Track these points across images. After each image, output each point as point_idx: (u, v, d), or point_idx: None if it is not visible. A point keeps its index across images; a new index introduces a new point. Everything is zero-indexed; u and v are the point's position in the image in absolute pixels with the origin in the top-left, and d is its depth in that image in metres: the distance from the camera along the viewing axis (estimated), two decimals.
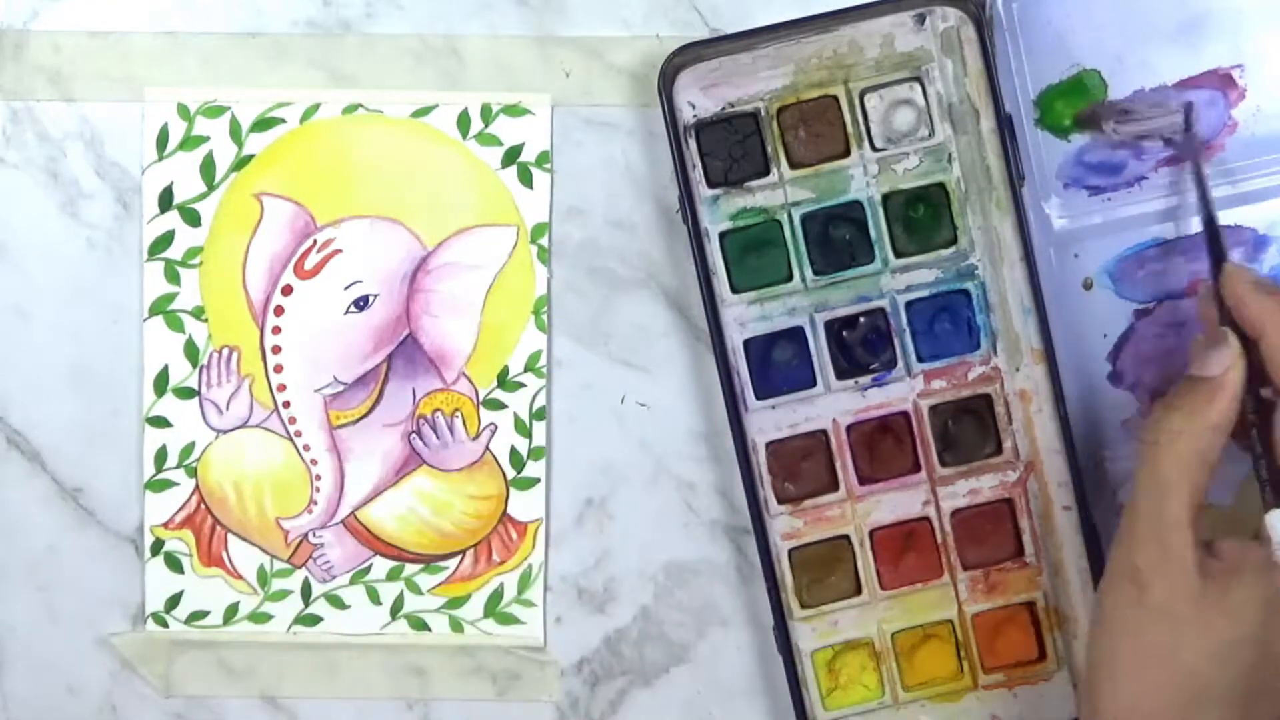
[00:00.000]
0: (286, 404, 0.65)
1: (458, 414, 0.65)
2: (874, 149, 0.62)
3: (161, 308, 0.64)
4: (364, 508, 0.65)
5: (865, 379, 0.63)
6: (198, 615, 0.65)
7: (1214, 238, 0.59)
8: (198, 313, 0.64)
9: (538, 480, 0.65)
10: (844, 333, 0.63)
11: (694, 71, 0.61)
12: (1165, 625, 0.53)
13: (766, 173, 0.62)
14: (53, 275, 0.65)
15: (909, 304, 0.63)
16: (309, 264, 0.64)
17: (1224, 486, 0.64)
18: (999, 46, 0.62)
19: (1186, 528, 0.54)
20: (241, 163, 0.64)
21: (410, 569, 0.65)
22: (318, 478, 0.65)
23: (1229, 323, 0.56)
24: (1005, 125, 0.62)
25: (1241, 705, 0.53)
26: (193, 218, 0.64)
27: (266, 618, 0.65)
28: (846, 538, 0.64)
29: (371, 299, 0.65)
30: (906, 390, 0.63)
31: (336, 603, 0.65)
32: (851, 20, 0.61)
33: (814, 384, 0.63)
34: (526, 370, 0.65)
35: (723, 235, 0.63)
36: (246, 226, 0.64)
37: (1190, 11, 0.63)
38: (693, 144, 0.62)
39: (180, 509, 0.65)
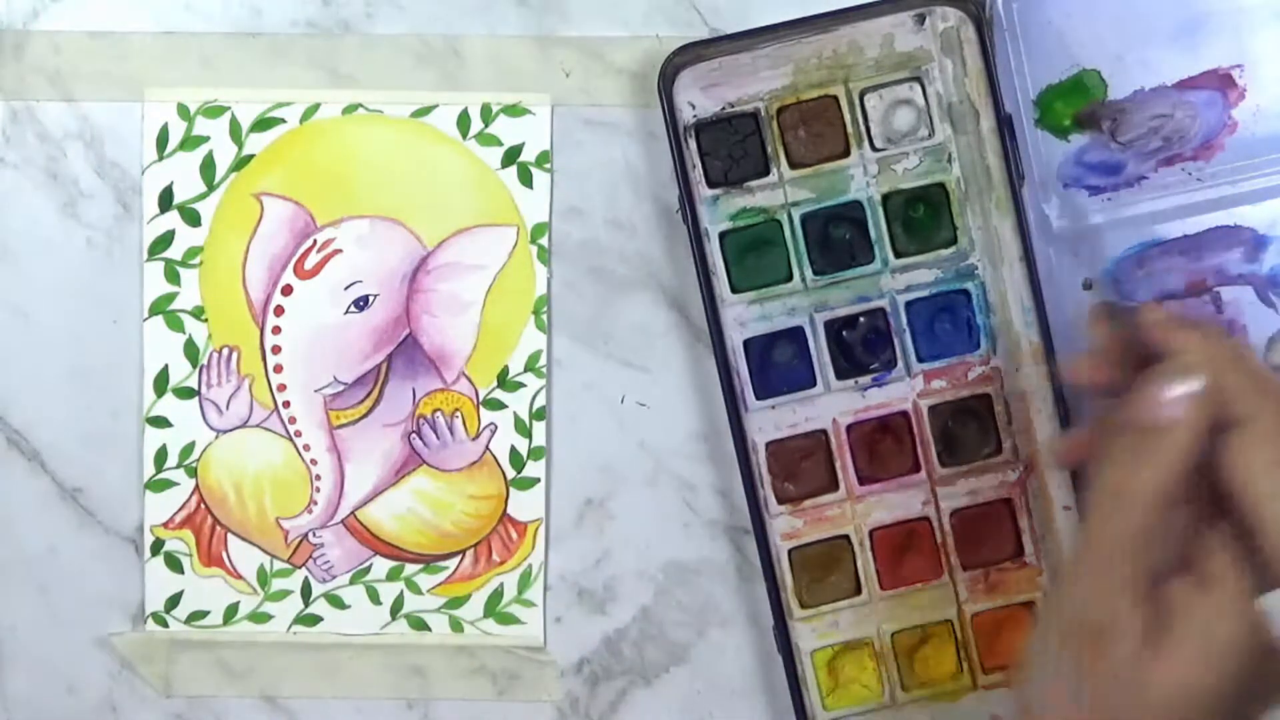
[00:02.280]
0: (286, 404, 0.65)
1: (458, 414, 0.65)
2: (874, 149, 0.62)
3: (161, 308, 0.64)
4: (364, 508, 0.65)
5: (865, 379, 0.63)
6: (198, 615, 0.65)
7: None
8: (198, 313, 0.64)
9: (538, 480, 0.65)
10: (844, 333, 0.63)
11: (694, 71, 0.61)
12: (1112, 687, 0.50)
13: (766, 173, 0.62)
14: (53, 275, 0.65)
15: (909, 304, 0.63)
16: (309, 264, 0.64)
17: None
18: (999, 46, 0.62)
19: (1139, 587, 0.50)
20: (241, 163, 0.64)
21: (410, 569, 0.65)
22: (318, 478, 0.65)
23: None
24: (1005, 125, 0.62)
25: None
26: (193, 218, 0.64)
27: (266, 618, 0.65)
28: (846, 538, 0.64)
29: (371, 299, 0.65)
30: (906, 390, 0.63)
31: (336, 603, 0.65)
32: (851, 20, 0.61)
33: (814, 384, 0.63)
34: (526, 370, 0.65)
35: (723, 235, 0.63)
36: (246, 226, 0.64)
37: (1190, 11, 0.63)
38: (693, 144, 0.62)
39: (180, 509, 0.65)
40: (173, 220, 0.64)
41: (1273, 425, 0.50)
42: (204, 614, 0.65)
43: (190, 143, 0.64)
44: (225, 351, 0.65)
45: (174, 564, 0.65)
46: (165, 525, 0.65)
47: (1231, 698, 0.49)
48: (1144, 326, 0.53)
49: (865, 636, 0.64)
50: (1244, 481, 0.49)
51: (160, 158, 0.64)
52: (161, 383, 0.65)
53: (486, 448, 0.65)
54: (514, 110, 0.64)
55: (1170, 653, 0.49)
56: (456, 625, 0.65)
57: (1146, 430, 0.51)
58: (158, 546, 0.65)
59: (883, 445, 0.64)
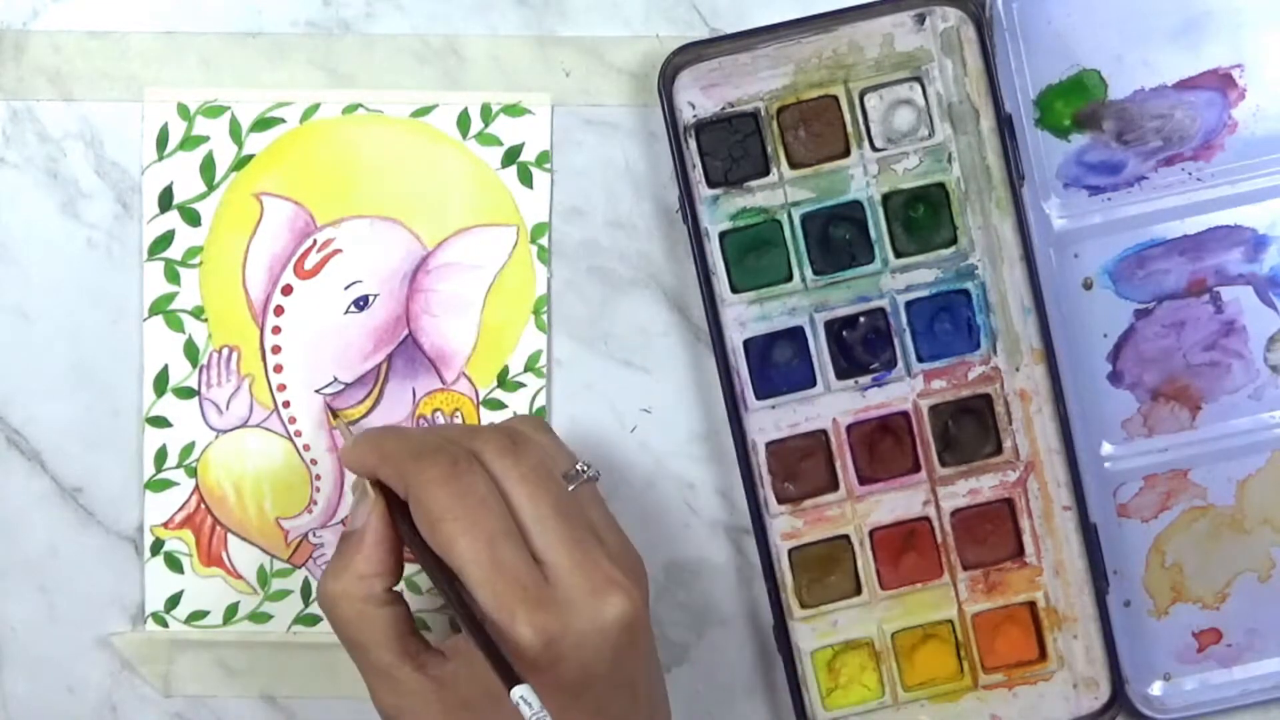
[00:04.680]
0: (286, 404, 0.65)
1: (458, 414, 0.65)
2: (874, 149, 0.62)
3: (161, 308, 0.64)
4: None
5: (865, 379, 0.63)
6: (198, 615, 0.65)
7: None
8: (198, 313, 0.64)
9: None
10: (844, 333, 0.63)
11: (694, 71, 0.61)
12: None
13: (766, 173, 0.62)
14: (53, 275, 0.65)
15: (909, 304, 0.63)
16: (309, 264, 0.64)
17: (1225, 486, 0.65)
18: (999, 46, 0.62)
19: (403, 664, 0.55)
20: (241, 163, 0.64)
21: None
22: (318, 478, 0.65)
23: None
24: (1005, 125, 0.62)
25: None
26: (193, 218, 0.64)
27: (266, 618, 0.65)
28: (846, 538, 0.64)
29: (371, 299, 0.65)
30: (906, 390, 0.63)
31: None
32: (851, 20, 0.61)
33: (814, 384, 0.63)
34: (526, 370, 0.65)
35: (723, 235, 0.63)
36: (246, 226, 0.64)
37: (1190, 11, 0.63)
38: (693, 144, 0.62)
39: (180, 509, 0.65)
40: (173, 220, 0.64)
41: (422, 489, 0.53)
42: (204, 614, 0.65)
43: (190, 143, 0.64)
44: (225, 351, 0.65)
45: (174, 564, 0.65)
46: (165, 525, 0.65)
47: None
48: (344, 457, 0.59)
49: (865, 636, 0.64)
50: (429, 539, 0.53)
51: (160, 158, 0.64)
52: (161, 383, 0.65)
53: None
54: (514, 110, 0.64)
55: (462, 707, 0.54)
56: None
57: (344, 537, 0.57)
58: (158, 546, 0.65)
59: (883, 445, 0.64)
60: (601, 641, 0.53)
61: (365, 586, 0.55)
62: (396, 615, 0.56)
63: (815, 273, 0.63)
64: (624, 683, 0.54)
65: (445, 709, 0.54)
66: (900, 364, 0.63)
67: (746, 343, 0.63)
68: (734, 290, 0.63)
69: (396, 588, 0.57)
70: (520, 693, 0.49)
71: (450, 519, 0.53)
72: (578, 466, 0.56)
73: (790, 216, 0.63)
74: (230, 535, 0.65)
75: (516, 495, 0.54)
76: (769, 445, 0.63)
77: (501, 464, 0.54)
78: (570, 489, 0.55)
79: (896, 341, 0.63)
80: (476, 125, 0.64)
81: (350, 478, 0.64)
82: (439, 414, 0.65)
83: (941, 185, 0.63)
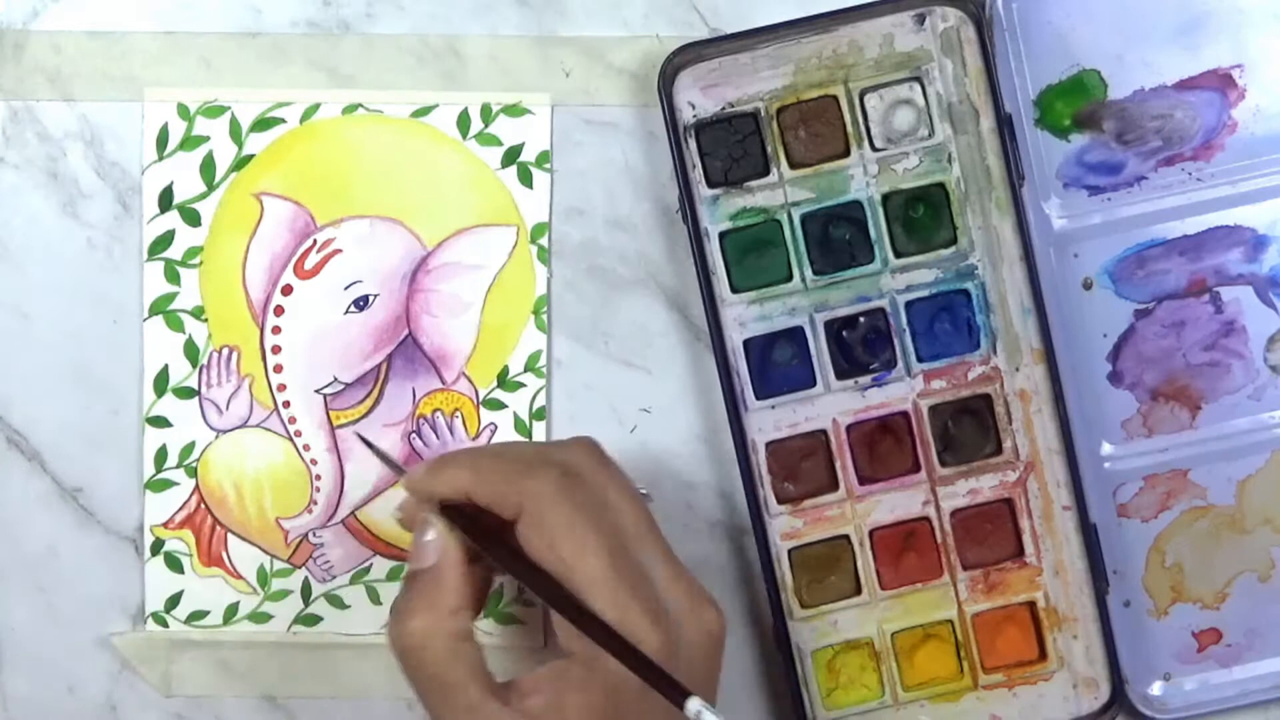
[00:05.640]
0: (286, 404, 0.65)
1: (458, 414, 0.65)
2: (874, 149, 0.62)
3: (161, 308, 0.64)
4: (364, 508, 0.65)
5: (865, 379, 0.63)
6: (198, 615, 0.65)
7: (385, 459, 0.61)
8: (198, 313, 0.64)
9: None
10: (844, 333, 0.63)
11: (694, 71, 0.61)
12: None
13: (766, 173, 0.62)
14: (53, 275, 0.65)
15: (909, 304, 0.63)
16: (309, 264, 0.64)
17: (1225, 486, 0.65)
18: (999, 46, 0.62)
19: (490, 699, 0.52)
20: (241, 163, 0.64)
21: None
22: (318, 478, 0.65)
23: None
24: (1005, 125, 0.62)
25: None
26: (193, 218, 0.64)
27: (266, 618, 0.65)
28: (846, 538, 0.64)
29: (371, 299, 0.65)
30: (906, 390, 0.63)
31: (336, 603, 0.65)
32: (851, 20, 0.61)
33: (814, 384, 0.63)
34: (526, 370, 0.65)
35: (723, 235, 0.63)
36: (246, 226, 0.64)
37: (1190, 11, 0.63)
38: (693, 144, 0.62)
39: (180, 509, 0.65)
40: (173, 220, 0.64)
41: (538, 505, 0.52)
42: (204, 614, 0.65)
43: (190, 143, 0.64)
44: (225, 351, 0.65)
45: (174, 564, 0.65)
46: (165, 525, 0.65)
47: None
48: (410, 493, 0.56)
49: (865, 636, 0.64)
50: (543, 562, 0.52)
51: (160, 158, 0.64)
52: (161, 383, 0.65)
53: None
54: (514, 110, 0.64)
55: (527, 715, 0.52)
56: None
57: (413, 575, 0.54)
58: (158, 546, 0.65)
59: (883, 445, 0.64)
60: (703, 651, 0.54)
61: (457, 623, 0.53)
62: (480, 653, 0.54)
63: (815, 273, 0.63)
64: (712, 691, 0.55)
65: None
66: (900, 364, 0.63)
67: (746, 343, 0.63)
68: (734, 290, 0.63)
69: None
70: (696, 705, 0.49)
71: (573, 536, 0.52)
72: (640, 489, 0.56)
73: (790, 216, 0.63)
74: (230, 535, 0.65)
75: (620, 509, 0.54)
76: (769, 445, 0.63)
77: (599, 478, 0.54)
78: None
79: (896, 341, 0.63)
80: (476, 125, 0.64)
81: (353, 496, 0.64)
82: (439, 414, 0.65)
83: (941, 185, 0.63)
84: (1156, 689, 0.65)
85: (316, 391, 0.65)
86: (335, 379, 0.65)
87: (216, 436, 0.65)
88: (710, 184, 0.62)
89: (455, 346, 0.65)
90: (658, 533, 0.55)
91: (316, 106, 0.64)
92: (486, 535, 0.54)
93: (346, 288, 0.64)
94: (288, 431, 0.65)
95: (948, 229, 0.63)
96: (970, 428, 0.64)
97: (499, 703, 0.53)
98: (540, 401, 0.65)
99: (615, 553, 0.52)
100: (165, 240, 0.64)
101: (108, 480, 0.65)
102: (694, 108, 0.62)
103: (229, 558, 0.65)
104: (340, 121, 0.64)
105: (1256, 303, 0.64)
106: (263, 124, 0.64)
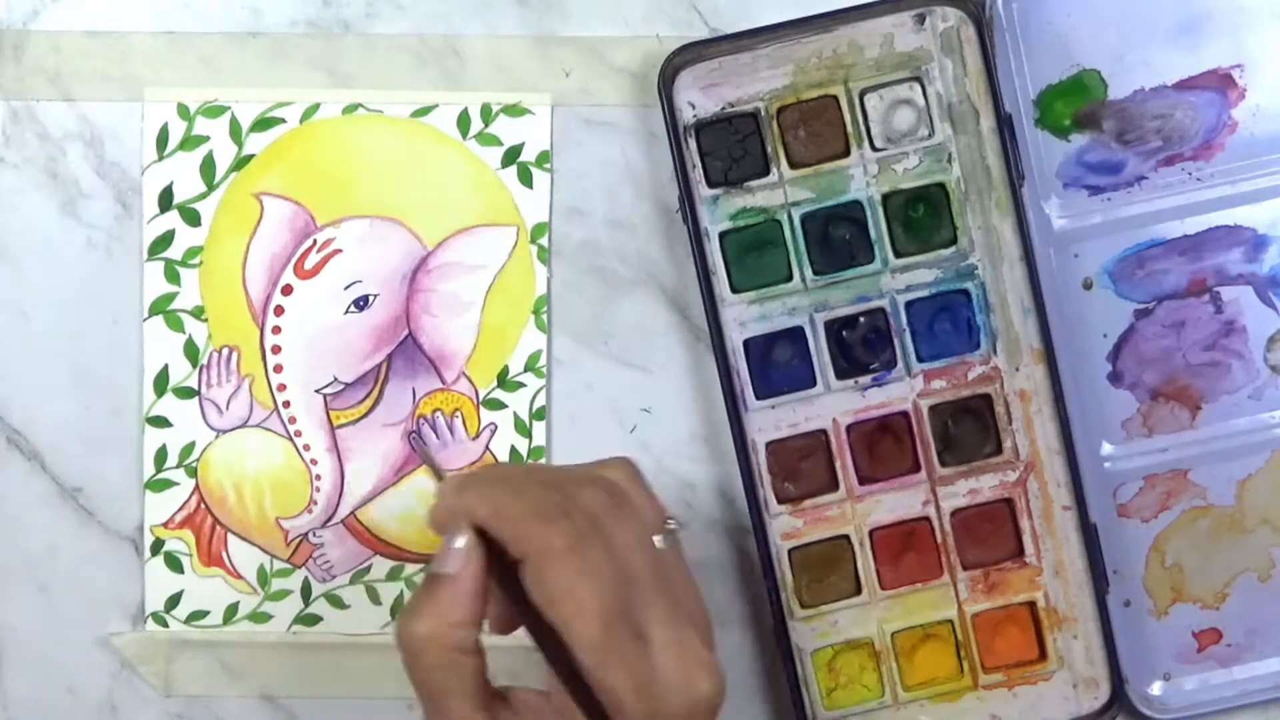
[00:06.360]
0: (286, 404, 0.65)
1: (458, 414, 0.65)
2: (874, 149, 0.62)
3: (161, 308, 0.64)
4: (364, 507, 0.65)
5: (865, 379, 0.63)
6: (198, 615, 0.65)
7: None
8: (198, 313, 0.64)
9: None
10: (844, 333, 0.63)
11: (694, 71, 0.61)
12: None
13: (766, 173, 0.62)
14: (53, 275, 0.65)
15: (909, 304, 0.63)
16: (309, 264, 0.64)
17: (1225, 486, 0.65)
18: (999, 46, 0.62)
19: (478, 715, 0.53)
20: (241, 163, 0.64)
21: (410, 569, 0.65)
22: (318, 477, 0.65)
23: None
24: (1005, 125, 0.62)
25: None
26: (193, 218, 0.64)
27: (266, 618, 0.65)
28: (846, 537, 0.64)
29: (371, 299, 0.65)
30: (906, 390, 0.63)
31: (336, 603, 0.65)
32: (851, 20, 0.61)
33: (814, 384, 0.63)
34: (526, 370, 0.65)
35: (723, 235, 0.63)
36: (246, 226, 0.64)
37: (1190, 11, 0.63)
38: (693, 144, 0.62)
39: (180, 509, 0.65)
40: (173, 220, 0.64)
41: (544, 559, 0.52)
42: (204, 614, 0.65)
43: (190, 143, 0.64)
44: (225, 351, 0.65)
45: (174, 564, 0.65)
46: (165, 525, 0.65)
47: None
48: (440, 501, 0.55)
49: (865, 636, 0.64)
50: (544, 609, 0.52)
51: (160, 158, 0.64)
52: (161, 383, 0.65)
53: (486, 448, 0.65)
54: (514, 110, 0.64)
55: None
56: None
57: (433, 578, 0.53)
58: (158, 546, 0.65)
59: (883, 445, 0.64)
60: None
61: (458, 636, 0.53)
62: (479, 666, 0.54)
63: (815, 273, 0.63)
64: None
65: None
66: (900, 364, 0.63)
67: (746, 343, 0.63)
68: (734, 290, 0.63)
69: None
70: None
71: (573, 598, 0.51)
72: (668, 524, 0.55)
73: (790, 216, 0.63)
74: (230, 535, 0.65)
75: (633, 561, 0.53)
76: (769, 445, 0.63)
77: (611, 528, 0.53)
78: (661, 547, 0.54)
79: (896, 341, 0.63)
80: (476, 125, 0.64)
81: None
82: (439, 414, 0.65)
83: (941, 185, 0.63)
84: (1156, 689, 0.65)
85: (316, 391, 0.65)
86: (335, 379, 0.65)
87: (216, 436, 0.65)
88: (710, 184, 0.62)
89: (455, 346, 0.65)
90: (669, 590, 0.54)
91: (316, 106, 0.64)
92: (503, 561, 0.53)
93: (346, 288, 0.64)
94: (288, 431, 0.65)
95: (948, 229, 0.63)
96: (970, 428, 0.64)
97: (486, 716, 0.53)
98: (540, 401, 0.65)
99: (612, 618, 0.52)
100: (165, 240, 0.64)
101: (108, 480, 0.65)
102: (694, 108, 0.62)
103: (229, 558, 0.65)
104: (340, 121, 0.64)
105: (1256, 303, 0.64)
106: (263, 124, 0.64)
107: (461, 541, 0.53)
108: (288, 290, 0.64)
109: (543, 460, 0.65)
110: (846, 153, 0.63)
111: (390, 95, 0.64)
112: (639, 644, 0.52)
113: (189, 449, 0.65)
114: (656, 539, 0.54)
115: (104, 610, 0.65)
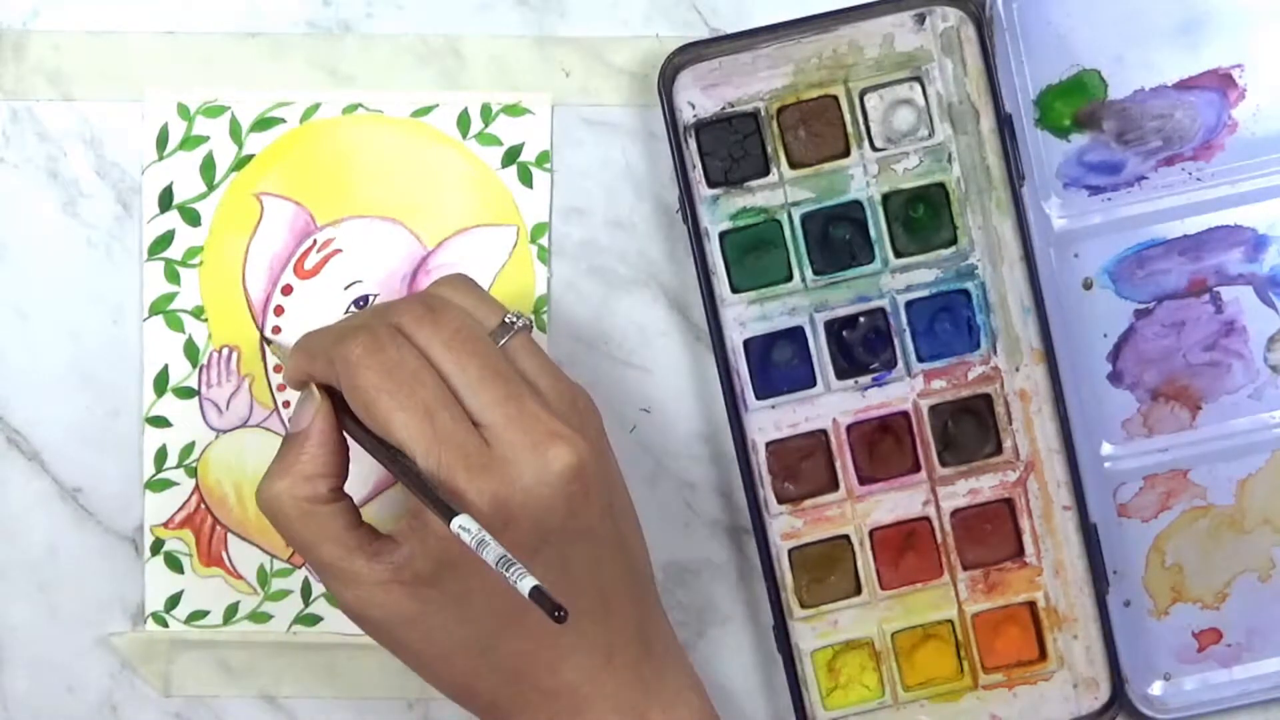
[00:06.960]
0: (286, 404, 0.65)
1: None
2: (874, 149, 0.62)
3: (161, 307, 0.64)
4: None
5: (865, 379, 0.63)
6: (198, 615, 0.65)
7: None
8: (198, 312, 0.64)
9: None
10: (844, 333, 0.63)
11: (694, 71, 0.61)
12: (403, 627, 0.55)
13: (766, 172, 0.62)
14: (53, 275, 0.65)
15: (909, 304, 0.63)
16: (309, 264, 0.64)
17: (1225, 486, 0.65)
18: (999, 46, 0.62)
19: (354, 556, 0.54)
20: (241, 163, 0.64)
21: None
22: None
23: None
24: (1005, 125, 0.62)
25: (479, 656, 0.55)
26: (193, 217, 0.64)
27: (266, 617, 0.65)
28: (846, 537, 0.64)
29: (371, 299, 0.65)
30: (906, 390, 0.63)
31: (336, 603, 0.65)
32: (851, 20, 0.61)
33: (814, 384, 0.63)
34: None
35: (723, 235, 0.63)
36: (246, 226, 0.64)
37: (1190, 11, 0.63)
38: (693, 144, 0.62)
39: (180, 509, 0.65)
40: (173, 220, 0.64)
41: (350, 371, 0.53)
42: (204, 614, 0.65)
43: (190, 142, 0.64)
44: (225, 351, 0.65)
45: (174, 564, 0.65)
46: (165, 525, 0.65)
47: (457, 625, 0.54)
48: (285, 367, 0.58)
49: (865, 636, 0.64)
50: (366, 420, 0.54)
51: (160, 157, 0.64)
52: (161, 383, 0.65)
53: None
54: (514, 110, 0.64)
55: (429, 585, 0.54)
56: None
57: (285, 439, 0.56)
58: (158, 546, 0.65)
59: (883, 445, 0.64)
60: (550, 495, 0.53)
61: (309, 487, 0.55)
62: (341, 510, 0.55)
63: (815, 273, 0.63)
64: (583, 531, 0.54)
65: (407, 591, 0.54)
66: (900, 364, 0.63)
67: (746, 343, 0.63)
68: (734, 290, 0.63)
69: (342, 488, 0.57)
70: (459, 522, 0.49)
71: (384, 395, 0.53)
72: (506, 319, 0.56)
73: (790, 216, 0.63)
74: (230, 535, 0.65)
75: (444, 362, 0.53)
76: (769, 445, 0.63)
77: (423, 333, 0.54)
78: (500, 344, 0.55)
79: (896, 341, 0.63)
80: (476, 125, 0.64)
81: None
82: None
83: (941, 185, 0.63)
84: (1156, 689, 0.65)
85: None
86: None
87: (216, 436, 0.65)
88: (710, 184, 0.62)
89: None
90: (503, 375, 0.54)
91: (316, 106, 0.64)
92: (344, 404, 0.55)
93: (346, 288, 0.64)
94: (288, 431, 0.65)
95: (948, 229, 0.63)
96: (970, 428, 0.64)
97: (364, 557, 0.54)
98: None
99: (432, 407, 0.52)
100: (165, 240, 0.64)
101: (108, 480, 0.65)
102: (694, 107, 0.62)
103: (229, 557, 0.65)
104: (340, 121, 0.64)
105: (1256, 303, 0.64)
106: (263, 124, 0.64)
107: (305, 397, 0.56)
108: (288, 290, 0.64)
109: None
110: (846, 153, 0.63)
111: (390, 95, 0.64)
112: (474, 431, 0.53)
113: (189, 449, 0.65)
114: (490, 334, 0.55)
115: (104, 610, 0.65)
